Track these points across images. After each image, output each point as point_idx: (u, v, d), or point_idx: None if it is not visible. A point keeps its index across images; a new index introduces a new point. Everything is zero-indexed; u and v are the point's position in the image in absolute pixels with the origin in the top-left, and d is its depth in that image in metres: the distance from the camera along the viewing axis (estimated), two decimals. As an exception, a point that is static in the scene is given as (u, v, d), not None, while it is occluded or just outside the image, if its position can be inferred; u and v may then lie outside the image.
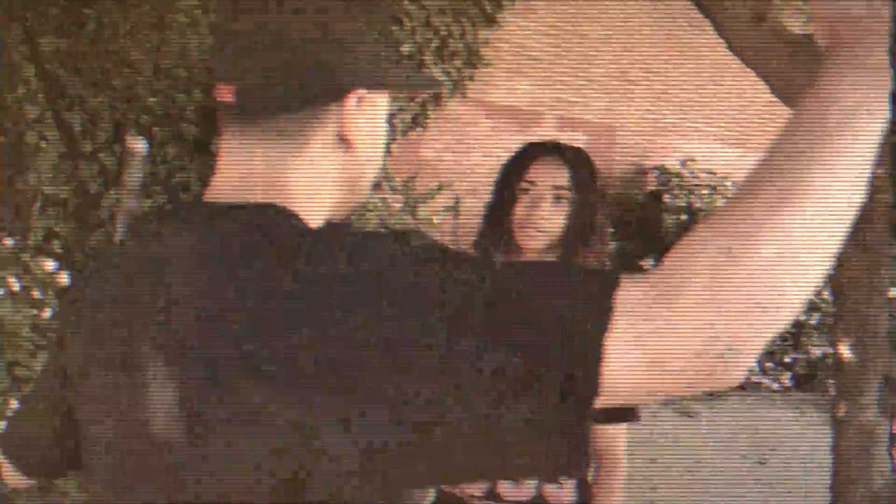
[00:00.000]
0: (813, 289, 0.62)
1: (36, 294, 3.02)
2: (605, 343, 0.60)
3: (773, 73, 3.20)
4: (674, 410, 5.43)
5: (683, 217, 6.12)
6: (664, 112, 7.58)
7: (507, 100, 6.64)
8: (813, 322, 5.85)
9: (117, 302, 0.77)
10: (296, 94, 0.76)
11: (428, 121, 5.35)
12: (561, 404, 0.61)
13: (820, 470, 3.05)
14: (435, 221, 5.42)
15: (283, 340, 0.65)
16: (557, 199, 1.63)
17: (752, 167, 0.66)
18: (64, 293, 0.76)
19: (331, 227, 0.78)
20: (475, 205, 6.13)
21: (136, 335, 0.73)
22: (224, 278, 0.70)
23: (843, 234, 0.63)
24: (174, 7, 4.09)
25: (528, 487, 1.64)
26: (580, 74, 6.99)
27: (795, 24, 2.81)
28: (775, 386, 5.96)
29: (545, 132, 6.88)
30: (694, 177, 6.80)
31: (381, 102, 0.82)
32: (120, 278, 0.79)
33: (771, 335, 0.61)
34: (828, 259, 0.62)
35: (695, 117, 7.77)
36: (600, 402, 0.61)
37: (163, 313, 0.72)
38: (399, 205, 5.28)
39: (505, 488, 1.63)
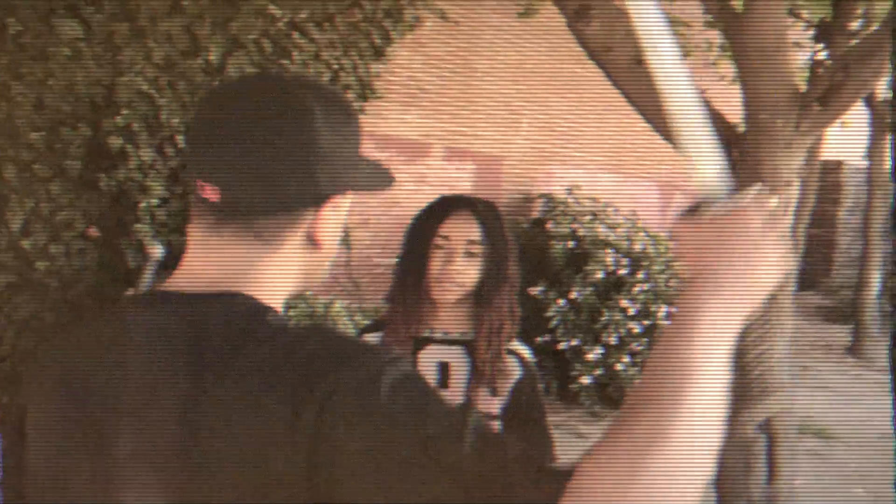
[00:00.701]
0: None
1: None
2: None
3: (651, 109, 3.41)
4: (566, 431, 5.61)
5: (570, 244, 6.33)
6: (549, 142, 7.86)
7: (397, 131, 6.73)
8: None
9: (95, 378, 0.81)
10: (281, 200, 0.82)
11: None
12: None
13: (708, 487, 3.25)
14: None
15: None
16: (470, 253, 1.70)
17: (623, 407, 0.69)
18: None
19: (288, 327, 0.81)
20: (364, 236, 6.17)
21: (96, 409, 0.77)
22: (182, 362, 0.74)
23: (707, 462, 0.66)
24: (56, 39, 3.97)
25: None
26: (467, 106, 7.16)
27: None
28: None
29: (434, 162, 7.00)
30: (578, 203, 7.05)
31: (346, 203, 0.89)
32: (93, 355, 0.82)
33: None
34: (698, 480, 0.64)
35: (577, 147, 8.08)
36: None
37: (119, 389, 0.75)
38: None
39: None
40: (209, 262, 0.84)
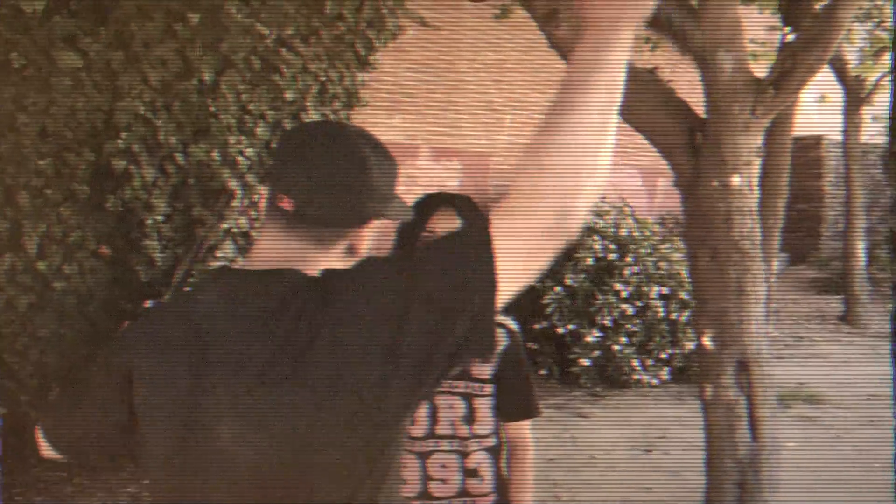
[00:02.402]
0: (601, 164, 0.97)
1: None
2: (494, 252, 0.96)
3: (625, 110, 3.62)
4: (568, 413, 5.83)
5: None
6: (531, 136, 8.07)
7: (385, 135, 6.95)
8: (684, 319, 6.38)
9: (179, 345, 1.06)
10: (338, 217, 1.12)
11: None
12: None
13: (698, 450, 3.47)
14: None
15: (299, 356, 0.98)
16: None
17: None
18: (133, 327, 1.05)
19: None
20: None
21: (202, 369, 1.03)
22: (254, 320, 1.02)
23: (604, 133, 0.97)
24: (58, 70, 4.18)
25: (454, 484, 1.92)
26: (451, 107, 7.38)
27: (639, 60, 3.22)
28: (654, 381, 6.45)
29: (422, 163, 7.22)
30: None
31: (376, 225, 1.18)
32: (176, 326, 1.08)
33: (586, 195, 0.96)
34: (600, 150, 0.97)
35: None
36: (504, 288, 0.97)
37: (219, 354, 1.02)
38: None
39: (434, 486, 1.91)
40: (275, 250, 1.11)
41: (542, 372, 6.51)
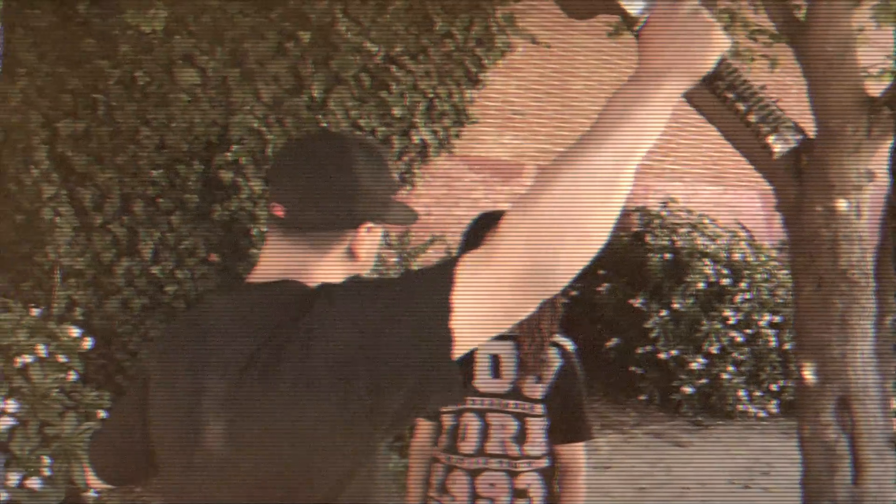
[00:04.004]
0: (597, 223, 0.88)
1: (61, 359, 3.28)
2: (451, 300, 0.91)
3: (724, 122, 3.49)
4: (666, 441, 5.64)
5: (667, 256, 6.38)
6: (645, 156, 7.89)
7: (493, 153, 6.96)
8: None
9: (184, 348, 1.11)
10: (327, 220, 1.12)
11: (415, 178, 5.63)
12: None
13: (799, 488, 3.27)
14: None
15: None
16: None
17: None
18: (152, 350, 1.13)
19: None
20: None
21: (199, 370, 1.06)
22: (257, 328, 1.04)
23: (615, 194, 0.89)
24: (177, 87, 4.42)
25: None
26: (563, 126, 7.32)
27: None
28: (761, 413, 6.15)
29: (528, 181, 7.19)
30: (672, 215, 7.08)
31: (380, 231, 1.19)
32: (186, 333, 1.14)
33: (573, 254, 0.87)
34: (600, 208, 0.88)
35: (675, 159, 8.09)
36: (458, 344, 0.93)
37: (214, 355, 1.06)
38: (394, 259, 5.55)
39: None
40: (276, 261, 1.13)
41: (642, 398, 6.33)
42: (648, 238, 6.65)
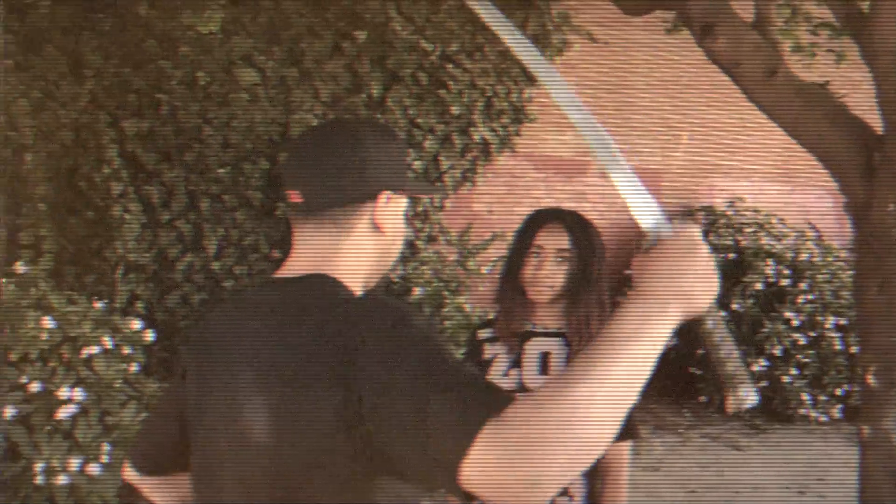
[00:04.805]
0: (592, 445, 0.86)
1: (126, 351, 3.39)
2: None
3: (788, 119, 3.40)
4: (722, 444, 5.53)
5: (731, 256, 6.26)
6: (710, 154, 7.76)
7: (555, 151, 6.92)
8: (867, 354, 5.87)
9: (218, 344, 1.14)
10: (344, 194, 1.12)
11: (477, 176, 5.63)
12: None
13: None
14: (483, 272, 5.67)
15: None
16: (560, 259, 1.94)
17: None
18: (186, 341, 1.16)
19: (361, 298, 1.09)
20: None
21: (233, 366, 1.08)
22: (285, 329, 1.04)
23: (623, 406, 0.87)
24: (237, 87, 4.52)
25: None
26: (623, 123, 7.24)
27: (811, 74, 3.02)
28: (823, 418, 5.97)
29: (592, 180, 7.13)
30: (739, 215, 6.94)
31: (402, 201, 1.19)
32: (220, 328, 1.17)
33: (564, 472, 0.85)
34: (607, 423, 0.86)
35: (741, 157, 7.92)
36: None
37: (246, 354, 1.07)
38: (454, 256, 5.57)
39: None
40: (303, 250, 1.13)
41: (702, 399, 6.21)
42: (712, 237, 6.52)
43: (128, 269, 4.55)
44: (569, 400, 0.85)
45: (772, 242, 6.40)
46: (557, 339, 1.97)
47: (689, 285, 0.95)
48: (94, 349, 3.24)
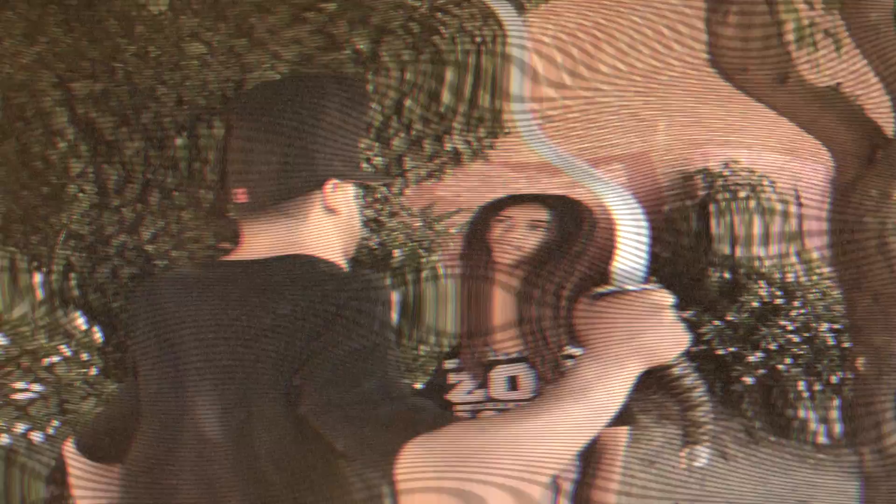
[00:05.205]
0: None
1: (84, 357, 3.52)
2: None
3: (803, 123, 3.34)
4: (715, 445, 5.36)
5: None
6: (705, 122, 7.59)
7: (529, 160, 6.65)
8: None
9: (166, 333, 1.11)
10: (289, 188, 1.10)
11: (445, 175, 5.56)
12: None
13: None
14: (452, 231, 5.53)
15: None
16: (534, 226, 1.72)
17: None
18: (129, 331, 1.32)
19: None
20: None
21: (181, 355, 1.07)
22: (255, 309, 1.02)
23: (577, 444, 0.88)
24: (187, 53, 4.52)
25: None
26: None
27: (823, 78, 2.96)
28: (822, 439, 5.83)
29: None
30: (734, 175, 7.06)
31: (348, 187, 1.17)
32: (169, 308, 1.12)
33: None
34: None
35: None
36: None
37: (199, 339, 1.06)
38: (419, 223, 5.45)
39: None
40: (262, 239, 1.11)
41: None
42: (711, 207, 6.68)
43: (69, 236, 4.66)
44: (520, 427, 0.86)
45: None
46: (519, 364, 1.77)
47: (653, 342, 0.92)
48: (55, 358, 3.39)
